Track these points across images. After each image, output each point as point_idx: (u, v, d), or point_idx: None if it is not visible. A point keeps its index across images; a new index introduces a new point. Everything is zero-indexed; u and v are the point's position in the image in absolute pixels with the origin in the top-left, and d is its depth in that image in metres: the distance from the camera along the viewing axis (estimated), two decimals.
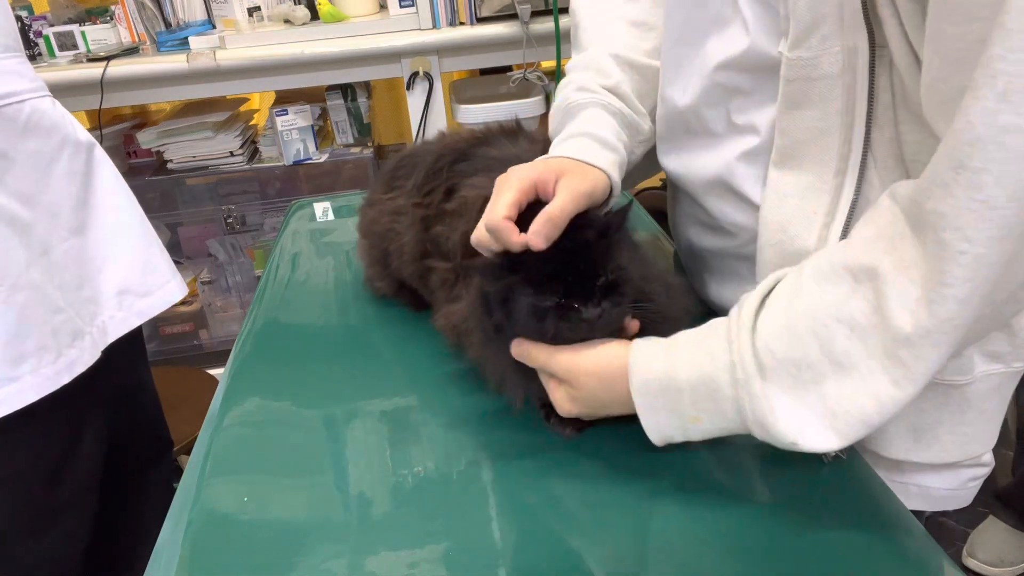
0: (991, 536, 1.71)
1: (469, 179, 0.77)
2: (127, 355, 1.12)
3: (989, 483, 1.91)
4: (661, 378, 0.57)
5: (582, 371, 0.61)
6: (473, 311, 0.67)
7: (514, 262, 0.60)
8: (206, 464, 0.69)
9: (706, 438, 0.59)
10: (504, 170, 0.66)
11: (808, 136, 0.58)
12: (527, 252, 0.59)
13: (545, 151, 0.73)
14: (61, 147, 0.98)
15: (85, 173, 1.02)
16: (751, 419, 0.54)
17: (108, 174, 1.06)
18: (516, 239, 0.58)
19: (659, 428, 0.59)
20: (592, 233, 0.60)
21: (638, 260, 0.64)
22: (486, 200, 0.64)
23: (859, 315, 0.50)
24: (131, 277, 1.06)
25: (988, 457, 0.69)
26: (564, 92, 0.76)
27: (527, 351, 0.63)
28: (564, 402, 0.63)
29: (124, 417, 1.14)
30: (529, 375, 0.65)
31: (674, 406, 0.57)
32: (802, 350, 0.52)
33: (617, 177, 0.68)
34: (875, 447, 0.67)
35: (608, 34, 0.79)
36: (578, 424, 0.67)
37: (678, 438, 0.59)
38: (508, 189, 0.61)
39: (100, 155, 1.05)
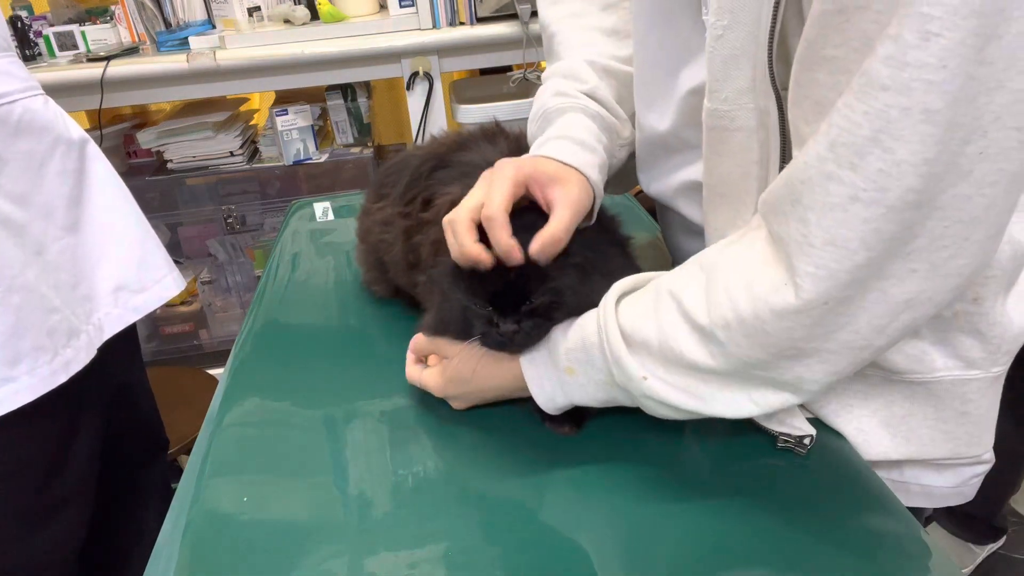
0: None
1: (446, 187, 0.77)
2: (122, 354, 1.11)
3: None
4: (543, 346, 0.63)
5: (457, 349, 0.66)
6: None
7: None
8: (206, 464, 0.69)
9: (588, 401, 0.62)
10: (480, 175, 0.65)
11: (730, 180, 0.61)
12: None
13: (521, 150, 0.74)
14: (54, 146, 0.97)
15: (78, 171, 1.02)
16: (610, 357, 0.58)
17: (101, 170, 1.06)
18: (505, 240, 0.58)
19: (539, 382, 0.63)
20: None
21: (592, 283, 0.62)
22: (452, 205, 0.63)
23: (690, 297, 0.55)
24: (126, 273, 1.06)
25: (989, 455, 0.69)
26: (541, 99, 0.75)
27: (415, 345, 0.72)
28: (433, 380, 0.69)
29: (119, 416, 1.14)
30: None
31: (551, 358, 0.62)
32: (641, 316, 0.58)
33: (599, 180, 0.67)
34: (859, 453, 0.65)
35: (583, 41, 0.79)
36: (575, 421, 0.67)
37: (560, 399, 0.63)
38: (504, 182, 0.60)
39: (93, 151, 1.05)
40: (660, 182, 0.76)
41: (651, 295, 0.59)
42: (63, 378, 0.91)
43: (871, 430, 0.65)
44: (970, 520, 1.72)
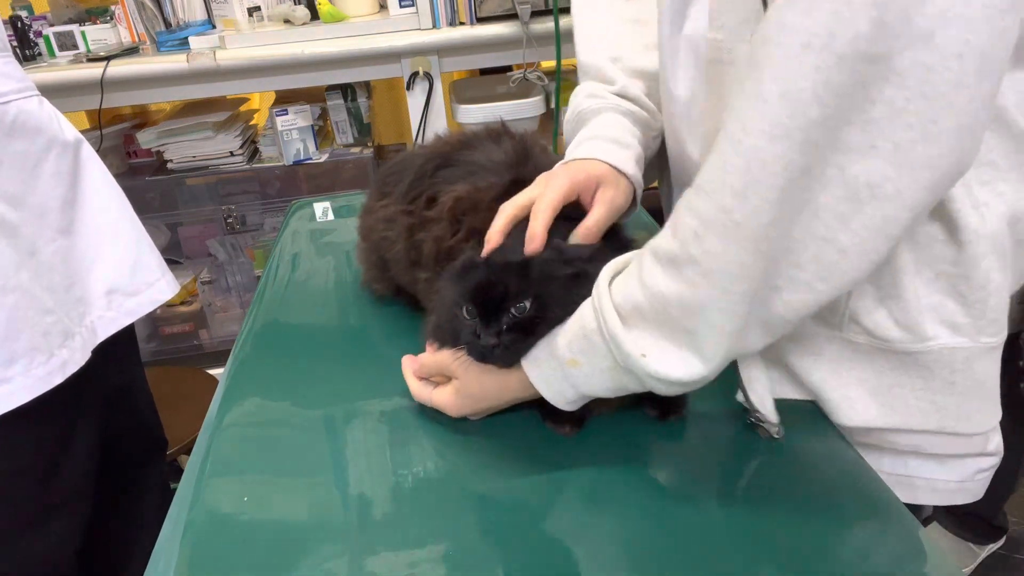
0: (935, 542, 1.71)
1: (451, 186, 0.77)
2: (120, 355, 1.11)
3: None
4: (543, 346, 0.62)
5: (470, 367, 0.66)
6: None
7: (467, 263, 0.63)
8: (206, 464, 0.69)
9: (599, 391, 0.61)
10: (485, 174, 0.74)
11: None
12: (478, 263, 0.63)
13: (526, 150, 0.78)
14: (48, 148, 0.97)
15: (72, 173, 1.01)
16: (610, 340, 0.57)
17: (96, 172, 1.06)
18: (536, 228, 0.63)
19: (546, 380, 0.62)
20: (542, 265, 0.62)
21: (585, 293, 0.61)
22: (457, 201, 0.72)
23: (658, 238, 0.55)
24: (120, 276, 1.06)
25: (994, 446, 0.69)
26: (575, 101, 0.80)
27: (420, 364, 0.71)
28: (448, 401, 0.68)
29: (117, 417, 1.14)
30: None
31: (552, 352, 0.61)
32: (628, 286, 0.57)
33: (635, 172, 0.71)
34: (842, 419, 0.66)
35: (606, 35, 0.81)
36: (575, 421, 0.67)
37: (570, 393, 0.62)
38: (559, 184, 0.66)
39: (87, 153, 1.05)
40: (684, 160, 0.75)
41: (635, 262, 0.58)
42: (59, 379, 0.91)
43: (858, 398, 0.65)
44: (970, 520, 1.72)
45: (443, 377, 0.70)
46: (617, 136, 0.73)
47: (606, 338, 0.57)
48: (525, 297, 0.61)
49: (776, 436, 0.65)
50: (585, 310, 0.60)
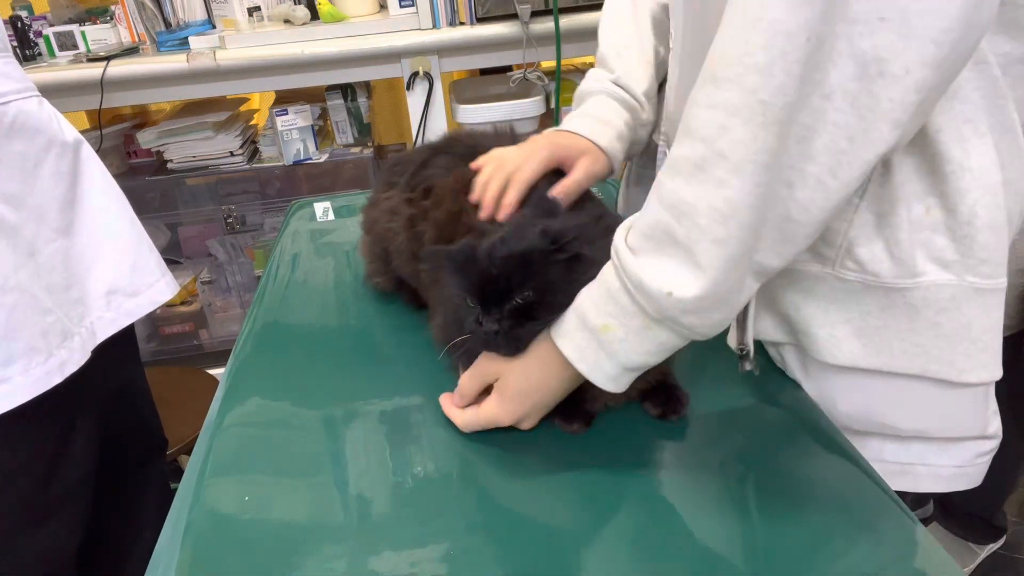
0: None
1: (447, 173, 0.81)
2: (119, 355, 1.11)
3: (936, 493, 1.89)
4: (570, 316, 0.62)
5: (506, 362, 0.65)
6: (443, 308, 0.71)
7: (467, 255, 0.63)
8: (206, 464, 0.69)
9: (638, 356, 0.59)
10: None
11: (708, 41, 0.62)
12: (477, 248, 0.63)
13: None
14: (47, 148, 0.97)
15: (72, 173, 1.01)
16: (633, 290, 0.57)
17: (96, 173, 1.06)
18: (508, 198, 0.73)
19: (580, 352, 0.61)
20: (535, 245, 0.62)
21: (586, 276, 0.62)
22: (458, 181, 0.78)
23: (673, 153, 0.55)
24: (119, 277, 1.06)
25: (993, 429, 0.70)
26: (582, 84, 0.90)
27: (460, 391, 0.69)
28: (497, 409, 0.66)
29: (117, 417, 1.14)
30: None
31: (584, 324, 0.60)
32: (649, 215, 0.57)
33: (609, 145, 0.82)
34: (825, 357, 0.67)
35: (621, 28, 0.90)
36: (585, 419, 0.67)
37: (608, 365, 0.60)
38: (541, 159, 0.77)
39: (87, 154, 1.05)
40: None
41: (650, 195, 0.58)
42: (58, 379, 0.91)
43: (843, 337, 0.66)
44: (970, 520, 1.72)
45: (477, 390, 0.68)
46: (603, 115, 0.85)
47: (630, 289, 0.57)
48: (526, 286, 0.61)
49: (755, 371, 0.67)
50: (606, 272, 0.60)
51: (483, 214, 0.74)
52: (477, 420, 0.67)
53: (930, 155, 0.60)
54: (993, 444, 0.70)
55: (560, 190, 0.75)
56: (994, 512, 1.71)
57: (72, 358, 0.94)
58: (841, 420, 0.69)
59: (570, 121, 0.85)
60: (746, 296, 0.57)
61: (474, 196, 0.75)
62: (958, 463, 0.69)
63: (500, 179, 0.75)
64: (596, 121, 0.84)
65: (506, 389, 0.65)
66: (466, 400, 0.69)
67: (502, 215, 0.73)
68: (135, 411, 1.23)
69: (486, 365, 0.66)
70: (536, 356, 0.64)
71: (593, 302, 0.60)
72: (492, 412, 0.66)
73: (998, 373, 0.66)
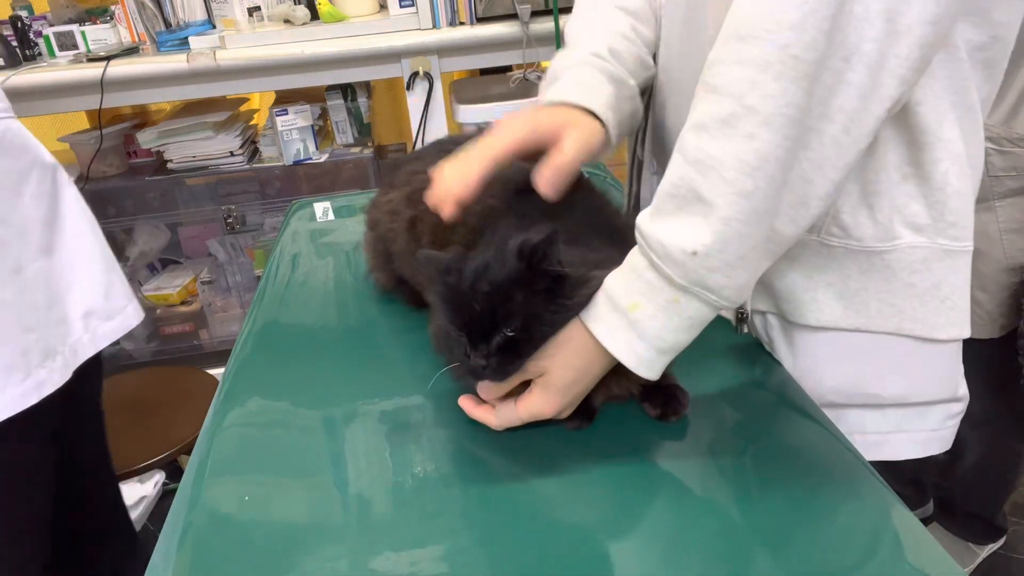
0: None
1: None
2: (86, 380, 1.10)
3: (936, 492, 1.91)
4: (601, 299, 0.61)
5: (545, 355, 0.63)
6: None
7: (453, 281, 0.61)
8: (206, 464, 0.69)
9: (666, 335, 0.59)
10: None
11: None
12: (459, 274, 0.61)
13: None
14: (31, 167, 0.98)
15: (52, 195, 1.02)
16: (659, 260, 0.57)
17: (72, 196, 1.07)
18: (476, 177, 0.65)
19: (611, 333, 0.60)
20: (515, 272, 0.60)
21: (574, 299, 0.61)
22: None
23: (697, 111, 0.56)
24: (96, 300, 1.07)
25: (962, 391, 0.75)
26: (551, 66, 0.79)
27: (492, 388, 0.66)
28: (543, 402, 0.64)
29: (74, 443, 1.13)
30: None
31: (615, 305, 0.60)
32: (672, 175, 0.57)
33: (604, 110, 0.71)
34: (808, 319, 0.71)
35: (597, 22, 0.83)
36: (586, 415, 0.67)
37: (638, 345, 0.60)
38: (515, 131, 0.67)
39: (64, 178, 1.06)
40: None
41: (674, 154, 0.58)
42: (34, 399, 0.91)
43: (824, 300, 0.71)
44: (970, 520, 1.72)
45: (511, 387, 0.66)
46: (586, 80, 0.73)
47: (655, 263, 0.57)
48: (511, 322, 0.60)
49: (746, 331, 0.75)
50: (633, 254, 0.61)
51: (430, 201, 0.66)
52: (518, 417, 0.64)
53: (909, 126, 0.63)
54: (961, 407, 0.76)
55: (550, 170, 0.65)
56: (995, 512, 1.71)
57: (51, 378, 0.94)
58: (826, 395, 0.73)
59: (548, 92, 0.73)
60: (768, 262, 0.60)
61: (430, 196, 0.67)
62: (932, 427, 0.74)
63: (456, 162, 0.66)
64: (581, 86, 0.72)
65: (550, 383, 0.63)
66: (498, 394, 0.66)
67: (458, 196, 0.65)
68: (94, 432, 1.23)
69: (527, 366, 0.64)
70: (574, 346, 0.63)
71: (620, 283, 0.60)
72: (537, 406, 0.64)
73: (966, 332, 0.70)
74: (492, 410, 0.66)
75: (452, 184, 0.66)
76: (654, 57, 0.82)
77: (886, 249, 0.67)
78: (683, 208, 0.56)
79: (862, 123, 0.55)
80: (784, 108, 0.52)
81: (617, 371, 0.63)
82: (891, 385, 0.73)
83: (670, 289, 0.58)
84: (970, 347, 0.74)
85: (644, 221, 0.60)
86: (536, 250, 0.59)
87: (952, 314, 0.69)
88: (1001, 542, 1.75)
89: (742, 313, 0.75)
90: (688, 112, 0.74)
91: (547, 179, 0.65)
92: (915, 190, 0.66)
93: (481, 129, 0.85)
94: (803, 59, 0.51)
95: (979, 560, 1.74)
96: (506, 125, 0.68)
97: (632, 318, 0.59)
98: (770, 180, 0.54)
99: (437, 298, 0.64)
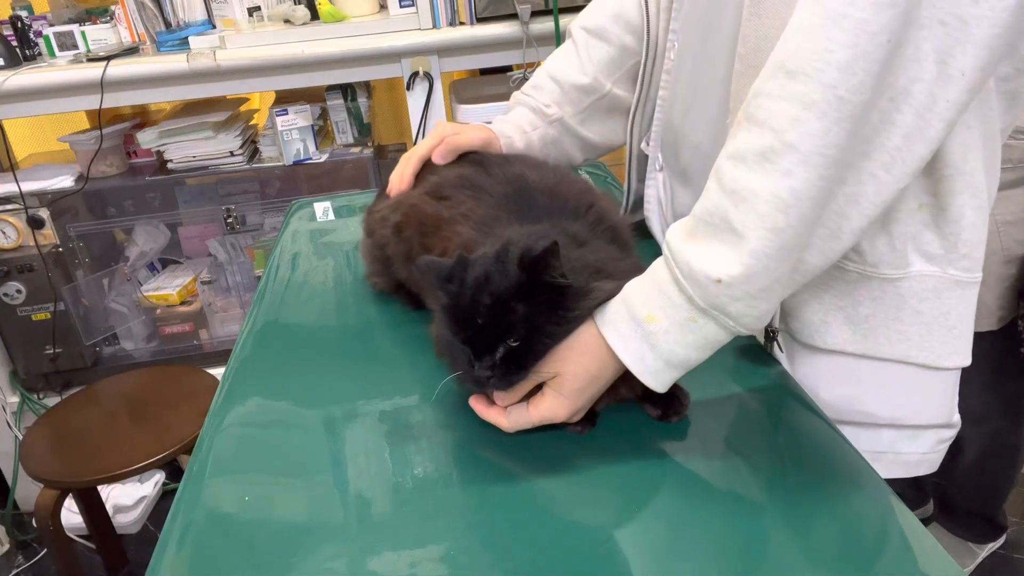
0: None
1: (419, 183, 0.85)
2: None
3: (935, 491, 1.92)
4: (618, 306, 0.62)
5: (558, 358, 0.63)
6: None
7: (456, 290, 0.61)
8: (207, 464, 0.69)
9: (678, 351, 0.59)
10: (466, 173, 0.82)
11: (767, 45, 0.61)
12: (461, 283, 0.61)
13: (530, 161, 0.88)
14: None
15: None
16: (683, 279, 0.57)
17: None
18: (409, 175, 0.87)
19: (623, 341, 0.61)
20: (515, 282, 0.60)
21: (566, 323, 0.62)
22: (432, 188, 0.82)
23: (738, 141, 0.56)
24: None
25: (956, 418, 0.76)
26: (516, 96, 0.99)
27: (507, 394, 0.65)
28: (555, 405, 0.64)
29: None
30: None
31: (631, 314, 0.60)
32: (707, 201, 0.58)
33: (508, 132, 0.92)
34: (816, 342, 0.71)
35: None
36: (589, 419, 0.67)
37: (649, 357, 0.60)
38: (431, 136, 0.88)
39: None
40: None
41: (710, 181, 0.59)
42: None
43: (834, 323, 0.70)
44: (970, 518, 1.72)
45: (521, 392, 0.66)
46: (509, 116, 0.96)
47: (678, 279, 0.58)
48: (514, 334, 0.60)
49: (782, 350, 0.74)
50: (656, 266, 0.61)
51: (395, 190, 0.87)
52: (530, 419, 0.64)
53: (933, 157, 0.61)
54: (953, 432, 0.76)
55: (443, 147, 0.85)
56: (995, 509, 1.71)
57: None
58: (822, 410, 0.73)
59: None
60: (790, 291, 0.60)
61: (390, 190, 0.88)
62: (923, 450, 0.75)
63: (401, 165, 0.88)
64: (503, 122, 0.94)
65: (563, 386, 0.63)
66: (512, 400, 0.66)
67: (396, 189, 0.87)
68: None
69: (540, 368, 0.64)
70: (588, 350, 0.63)
71: (640, 293, 0.61)
72: (550, 410, 0.64)
73: (968, 359, 0.71)
74: (503, 412, 0.66)
75: (395, 183, 0.88)
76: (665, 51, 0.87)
77: (898, 276, 0.67)
78: (714, 235, 0.57)
79: (905, 163, 0.55)
80: (824, 148, 0.52)
81: (626, 376, 0.63)
82: (888, 407, 0.73)
83: (689, 308, 0.58)
84: (979, 343, 0.75)
85: (675, 238, 0.60)
86: (538, 262, 0.59)
87: (957, 343, 0.70)
88: (1001, 541, 1.75)
89: (772, 332, 0.74)
90: (697, 114, 0.78)
91: (439, 152, 0.86)
92: (931, 220, 0.66)
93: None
94: (849, 100, 0.51)
95: (979, 559, 1.74)
96: (431, 133, 0.88)
97: (647, 329, 0.59)
98: (802, 218, 0.54)
99: (439, 307, 0.64)
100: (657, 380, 0.61)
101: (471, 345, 0.61)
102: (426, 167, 0.88)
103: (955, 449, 1.73)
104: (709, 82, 0.77)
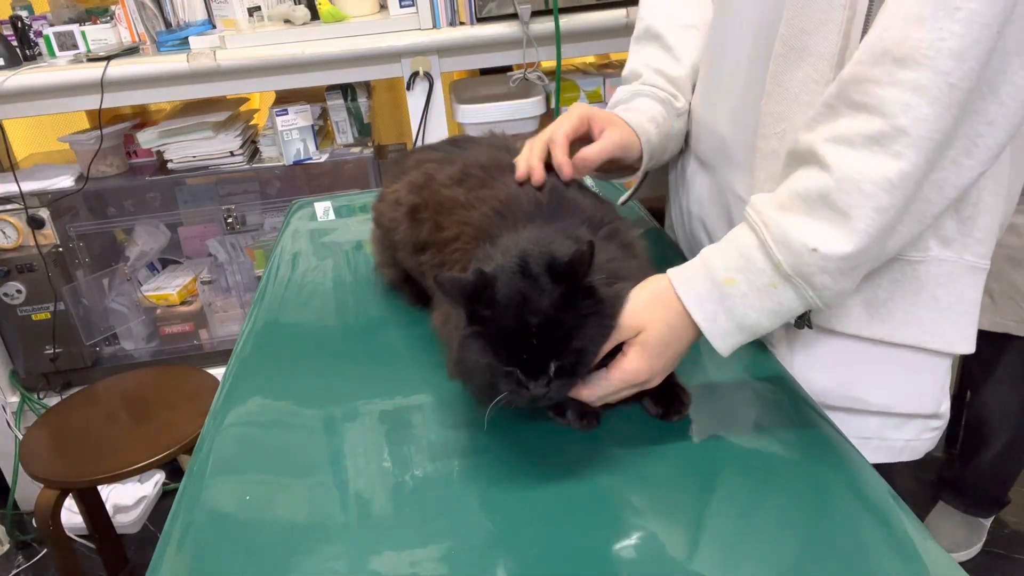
0: (944, 522, 1.77)
1: (441, 167, 0.81)
2: None
3: (938, 470, 1.95)
4: (696, 267, 0.63)
5: (638, 309, 0.62)
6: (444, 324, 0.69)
7: (476, 298, 0.59)
8: (207, 464, 0.69)
9: (752, 316, 0.61)
10: (486, 162, 0.79)
11: (810, 28, 0.64)
12: (494, 304, 0.58)
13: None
14: None
15: None
16: (773, 245, 0.59)
17: None
18: (558, 157, 0.74)
19: (699, 301, 0.62)
20: (556, 297, 0.59)
21: (602, 326, 0.61)
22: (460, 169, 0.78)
23: (852, 123, 0.57)
24: None
25: (944, 408, 0.76)
26: (624, 89, 0.92)
27: (599, 383, 0.64)
28: (639, 360, 0.62)
29: None
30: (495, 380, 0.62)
31: (711, 276, 0.62)
32: (808, 179, 0.59)
33: (645, 128, 0.82)
34: (832, 324, 0.72)
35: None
36: (594, 415, 0.67)
37: (723, 319, 0.61)
38: (569, 117, 0.78)
39: None
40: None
41: (809, 160, 0.60)
42: None
43: (852, 306, 0.71)
44: (980, 498, 1.75)
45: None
46: (639, 107, 0.85)
47: (767, 245, 0.59)
48: (568, 347, 0.59)
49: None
50: (738, 232, 0.62)
51: (519, 175, 0.75)
52: (611, 384, 0.63)
53: None
54: (941, 423, 0.77)
55: (579, 160, 0.76)
56: (1005, 491, 1.76)
57: None
58: (813, 395, 0.73)
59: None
60: (864, 272, 0.61)
61: (519, 172, 0.75)
62: (909, 437, 0.76)
63: (539, 146, 0.76)
64: (625, 108, 0.86)
65: (648, 342, 0.62)
66: (599, 395, 0.64)
67: (566, 174, 0.75)
68: None
69: (623, 323, 0.63)
70: (666, 303, 0.63)
71: (721, 256, 0.62)
72: (632, 370, 0.62)
73: (973, 346, 0.72)
74: (583, 387, 0.64)
75: (530, 156, 0.76)
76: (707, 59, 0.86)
77: (919, 259, 0.68)
78: (811, 211, 0.58)
79: (987, 148, 0.57)
80: (933, 132, 0.54)
81: None
82: (880, 395, 0.74)
83: (772, 273, 0.60)
84: (1011, 343, 0.76)
85: (767, 206, 0.61)
86: (575, 267, 0.58)
87: (968, 329, 0.71)
88: (1002, 509, 1.79)
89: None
90: (718, 96, 0.79)
91: (572, 164, 0.75)
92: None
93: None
94: (959, 87, 0.53)
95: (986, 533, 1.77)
96: (566, 116, 0.79)
97: (725, 291, 0.61)
98: (905, 199, 0.56)
99: (469, 333, 0.60)
100: (724, 342, 0.63)
101: (522, 367, 0.59)
102: (456, 143, 0.88)
103: (981, 442, 1.76)
104: (734, 64, 0.77)
